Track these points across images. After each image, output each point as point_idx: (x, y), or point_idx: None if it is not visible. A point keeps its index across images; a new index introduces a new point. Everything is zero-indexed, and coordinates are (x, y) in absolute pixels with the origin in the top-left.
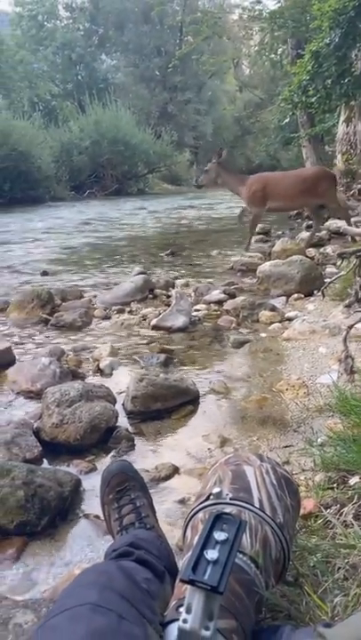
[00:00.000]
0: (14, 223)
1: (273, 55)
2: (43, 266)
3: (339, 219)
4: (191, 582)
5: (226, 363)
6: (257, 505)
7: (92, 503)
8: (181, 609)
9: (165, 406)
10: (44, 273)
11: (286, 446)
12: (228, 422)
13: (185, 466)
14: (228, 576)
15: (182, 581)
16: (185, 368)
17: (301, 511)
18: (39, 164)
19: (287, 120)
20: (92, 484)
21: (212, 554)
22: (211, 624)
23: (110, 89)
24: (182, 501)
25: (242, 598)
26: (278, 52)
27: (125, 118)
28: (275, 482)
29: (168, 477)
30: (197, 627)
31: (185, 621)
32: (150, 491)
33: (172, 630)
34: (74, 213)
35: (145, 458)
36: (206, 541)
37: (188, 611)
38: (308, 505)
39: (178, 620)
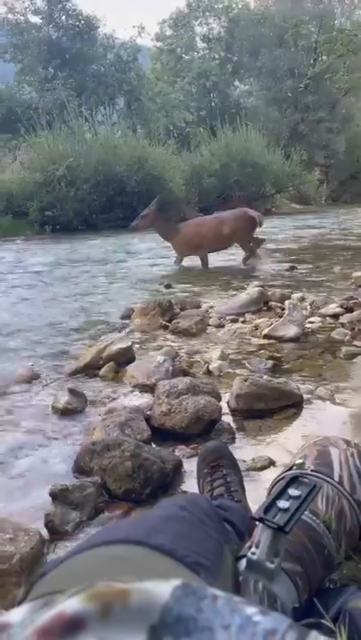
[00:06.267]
0: (144, 242)
1: None
2: (167, 279)
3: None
4: (261, 520)
5: (335, 372)
6: (336, 479)
7: (191, 483)
8: (252, 548)
9: (268, 407)
10: (168, 286)
11: None
12: (330, 426)
13: (281, 460)
14: (295, 523)
15: (252, 519)
16: (293, 376)
17: None
18: (170, 186)
19: None
20: (193, 468)
21: (283, 504)
22: (276, 560)
23: (242, 113)
24: None
25: (310, 552)
26: None
27: (255, 140)
28: (358, 464)
29: (263, 468)
30: (264, 559)
31: (253, 554)
32: (245, 479)
33: (242, 563)
34: None
35: (243, 450)
36: (280, 494)
37: (257, 546)
38: None
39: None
